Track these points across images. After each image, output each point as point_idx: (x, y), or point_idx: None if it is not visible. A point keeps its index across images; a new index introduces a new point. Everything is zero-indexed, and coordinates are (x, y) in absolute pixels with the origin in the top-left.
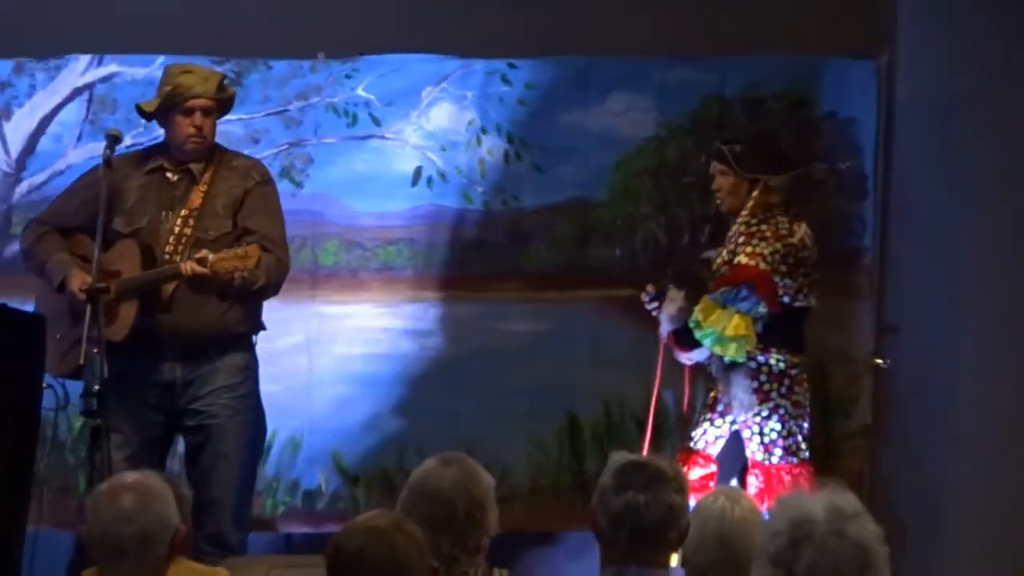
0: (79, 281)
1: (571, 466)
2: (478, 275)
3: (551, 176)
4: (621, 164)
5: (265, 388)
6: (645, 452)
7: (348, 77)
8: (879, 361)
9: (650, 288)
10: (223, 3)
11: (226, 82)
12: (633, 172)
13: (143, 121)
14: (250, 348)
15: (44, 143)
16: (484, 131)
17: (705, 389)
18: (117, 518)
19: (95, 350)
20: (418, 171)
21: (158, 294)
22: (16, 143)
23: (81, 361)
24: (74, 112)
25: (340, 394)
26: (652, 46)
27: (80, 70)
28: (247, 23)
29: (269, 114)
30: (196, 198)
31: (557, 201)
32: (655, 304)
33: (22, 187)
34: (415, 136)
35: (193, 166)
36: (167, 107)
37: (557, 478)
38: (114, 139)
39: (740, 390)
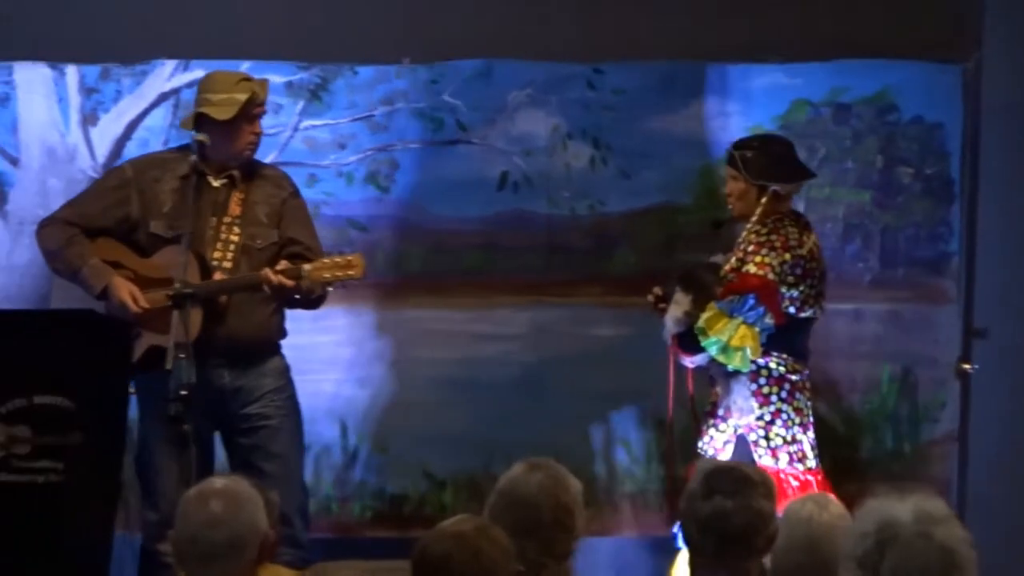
0: (127, 290)
1: (658, 471)
2: (564, 280)
3: (637, 181)
4: (707, 169)
5: (352, 394)
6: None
7: (434, 82)
8: (966, 366)
9: (657, 290)
10: (309, 8)
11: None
12: (720, 177)
13: None
14: (282, 352)
15: (131, 148)
16: (570, 136)
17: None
18: (206, 523)
19: (181, 355)
20: (504, 176)
21: (215, 300)
22: (103, 148)
23: (168, 366)
24: (160, 117)
25: (426, 399)
26: (738, 51)
27: (166, 75)
28: (333, 28)
29: (355, 119)
30: (235, 205)
31: (643, 206)
32: (663, 306)
33: None
34: (500, 141)
35: (235, 172)
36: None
37: (644, 483)
38: (202, 145)
39: (739, 397)
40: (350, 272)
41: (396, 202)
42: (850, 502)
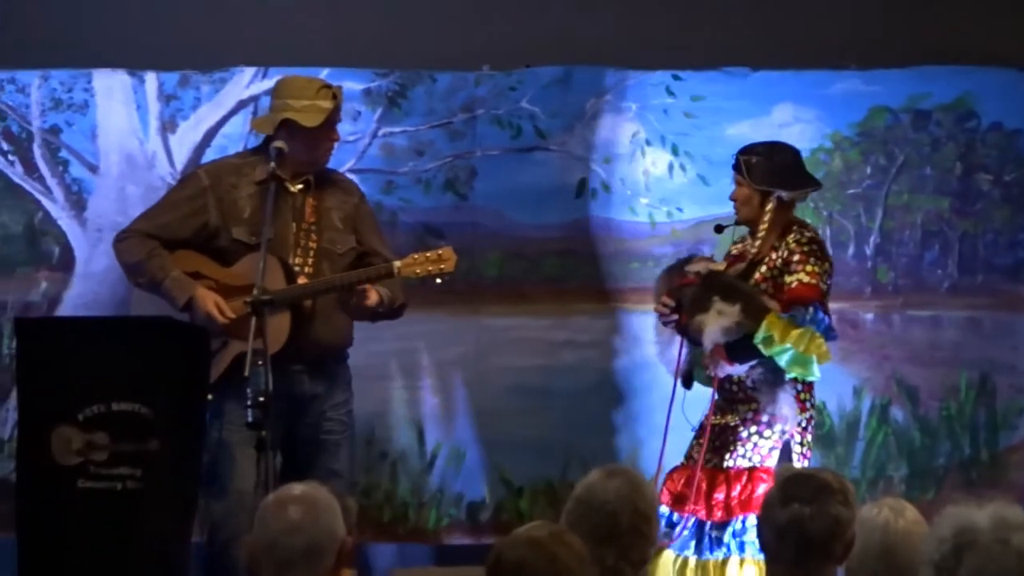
0: (212, 301)
1: None
2: (642, 287)
3: (716, 188)
4: None
5: (429, 400)
6: (660, 463)
7: (512, 89)
8: None
9: (668, 300)
10: (388, 16)
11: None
12: None
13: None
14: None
15: (209, 156)
16: (648, 143)
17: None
18: (285, 530)
19: (259, 362)
20: (582, 183)
21: (301, 305)
22: (182, 156)
23: (246, 373)
24: (239, 125)
25: (503, 406)
26: (817, 57)
27: (245, 83)
28: (411, 36)
29: (433, 126)
30: (310, 211)
31: (722, 213)
32: (675, 317)
33: None
34: (579, 148)
35: (311, 178)
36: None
37: None
38: (280, 152)
39: (786, 404)
40: (442, 266)
41: (474, 209)
42: (927, 508)
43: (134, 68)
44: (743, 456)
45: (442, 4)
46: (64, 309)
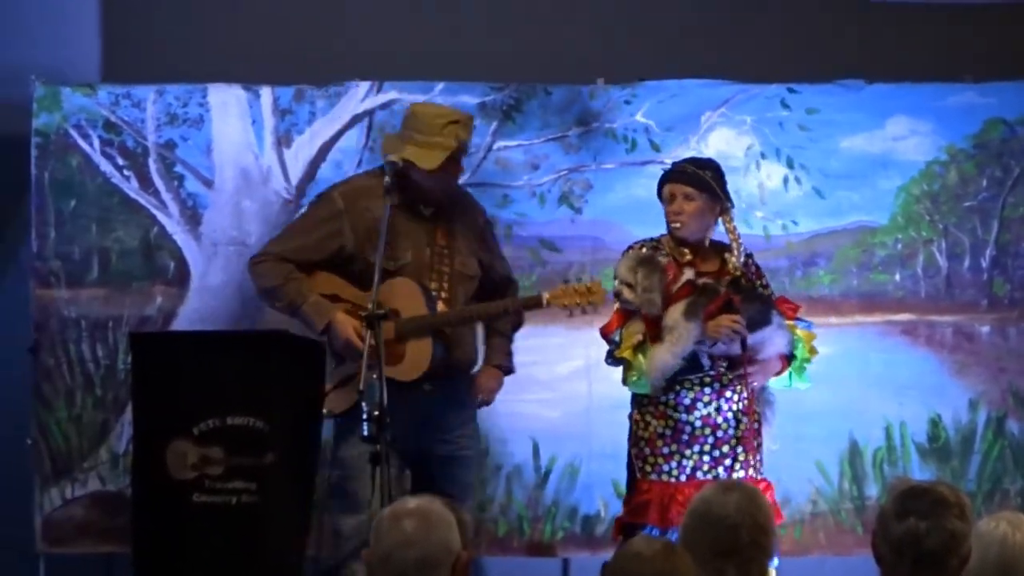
0: (351, 327)
1: (851, 491)
2: None
3: (831, 201)
4: (902, 188)
5: (545, 413)
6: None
7: (627, 103)
8: None
9: (739, 318)
10: (502, 30)
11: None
12: (914, 196)
13: None
14: None
15: (324, 170)
16: (763, 156)
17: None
18: (399, 543)
19: (375, 376)
20: None
21: (443, 332)
22: (296, 170)
23: (360, 387)
24: (354, 139)
25: (619, 419)
26: (931, 70)
27: (360, 97)
28: (526, 49)
29: (548, 140)
30: (442, 234)
31: (837, 226)
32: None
33: None
34: None
35: (443, 200)
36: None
37: (837, 503)
38: (396, 166)
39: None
40: (591, 299)
41: (589, 223)
42: None
43: (249, 83)
44: (754, 467)
45: (557, 18)
46: (179, 323)
